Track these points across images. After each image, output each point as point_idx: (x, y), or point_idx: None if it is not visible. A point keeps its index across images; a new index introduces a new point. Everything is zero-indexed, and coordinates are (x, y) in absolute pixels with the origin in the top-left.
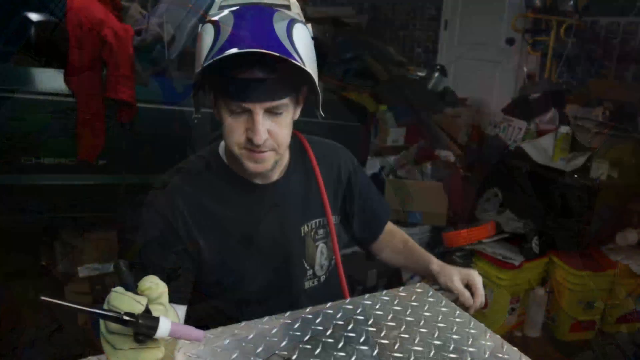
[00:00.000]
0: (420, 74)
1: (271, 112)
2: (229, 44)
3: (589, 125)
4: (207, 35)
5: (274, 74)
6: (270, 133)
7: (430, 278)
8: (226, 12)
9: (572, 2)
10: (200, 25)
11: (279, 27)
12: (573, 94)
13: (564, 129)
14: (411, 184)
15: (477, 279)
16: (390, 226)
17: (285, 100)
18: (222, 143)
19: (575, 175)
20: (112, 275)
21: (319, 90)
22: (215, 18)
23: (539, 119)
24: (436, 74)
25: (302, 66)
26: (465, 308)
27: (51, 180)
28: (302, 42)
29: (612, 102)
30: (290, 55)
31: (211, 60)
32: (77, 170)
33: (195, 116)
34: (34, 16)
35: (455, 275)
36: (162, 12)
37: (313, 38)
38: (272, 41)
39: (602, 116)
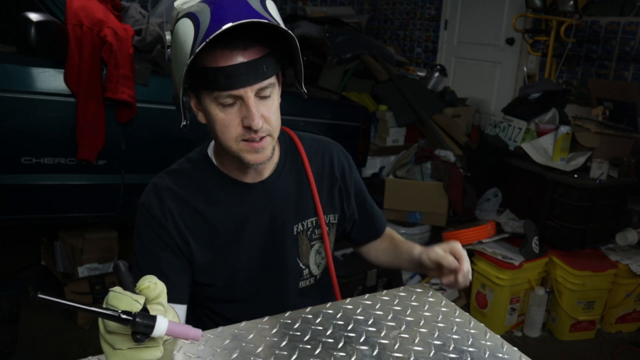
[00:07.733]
0: (420, 74)
1: (261, 97)
2: (213, 27)
3: (589, 125)
4: (186, 29)
5: (257, 54)
6: (264, 118)
7: (418, 266)
8: (195, 2)
9: (572, 2)
10: (166, 32)
11: (254, 2)
12: (573, 94)
13: (564, 129)
14: (411, 184)
15: (460, 246)
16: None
17: (272, 80)
18: (211, 144)
19: (575, 175)
20: (112, 275)
21: (301, 60)
22: (189, 11)
23: (539, 119)
24: (436, 74)
25: (288, 31)
26: (452, 282)
27: (51, 180)
28: (277, 13)
29: (612, 102)
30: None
31: (203, 44)
32: (77, 170)
33: (184, 124)
34: (34, 16)
35: (436, 247)
36: (162, 12)
37: (313, 38)
38: (253, 14)
39: (602, 116)
